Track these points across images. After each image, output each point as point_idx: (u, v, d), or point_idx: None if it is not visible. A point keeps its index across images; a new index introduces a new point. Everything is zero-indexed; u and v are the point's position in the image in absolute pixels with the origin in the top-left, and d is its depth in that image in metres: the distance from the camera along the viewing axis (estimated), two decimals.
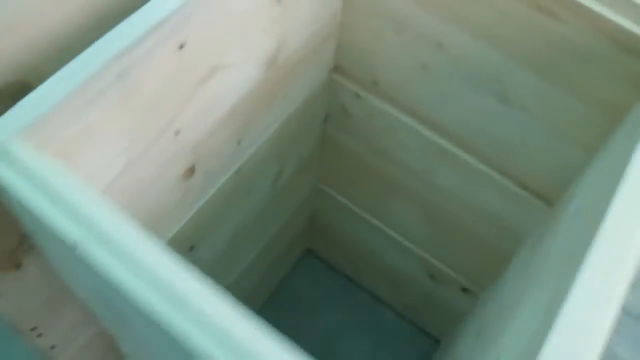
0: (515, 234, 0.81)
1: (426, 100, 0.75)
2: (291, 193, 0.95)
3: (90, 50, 0.46)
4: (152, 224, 0.63)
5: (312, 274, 1.20)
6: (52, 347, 0.69)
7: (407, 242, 0.98)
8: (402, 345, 1.14)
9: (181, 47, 0.51)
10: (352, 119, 0.86)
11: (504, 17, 0.61)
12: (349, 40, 0.76)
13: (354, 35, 0.75)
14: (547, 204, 0.75)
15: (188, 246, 0.73)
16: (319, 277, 1.20)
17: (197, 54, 0.53)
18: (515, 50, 0.63)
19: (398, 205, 0.93)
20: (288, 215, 0.99)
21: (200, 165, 0.65)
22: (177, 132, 0.57)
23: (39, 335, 0.66)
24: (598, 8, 0.55)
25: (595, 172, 0.63)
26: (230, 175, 0.72)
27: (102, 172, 0.51)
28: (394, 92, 0.77)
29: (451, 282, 0.98)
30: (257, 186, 0.81)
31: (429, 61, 0.71)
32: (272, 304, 1.16)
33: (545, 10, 0.58)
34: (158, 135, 0.55)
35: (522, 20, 0.60)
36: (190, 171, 0.64)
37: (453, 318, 1.04)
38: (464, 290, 0.97)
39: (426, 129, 0.78)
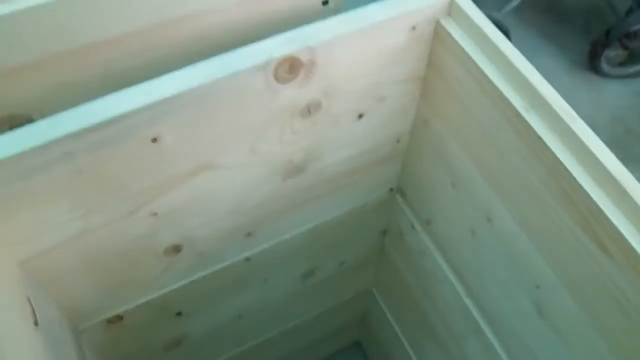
0: None
1: (470, 266, 0.64)
2: (331, 291, 0.88)
3: (42, 125, 0.44)
4: (126, 285, 0.62)
5: None
6: None
7: None
8: None
9: (154, 140, 0.48)
10: (406, 246, 0.77)
11: (555, 228, 0.49)
12: (414, 169, 0.67)
13: (418, 166, 0.66)
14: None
15: (175, 311, 0.71)
16: None
17: (175, 150, 0.49)
18: (558, 264, 0.51)
19: (432, 350, 0.82)
20: (327, 309, 0.92)
21: (191, 247, 0.62)
22: (153, 214, 0.55)
23: None
24: None
25: None
26: (235, 262, 0.68)
27: (51, 229, 0.50)
28: (443, 240, 0.68)
29: None
30: (278, 277, 0.76)
31: (477, 228, 0.60)
32: None
33: (596, 239, 0.46)
34: (125, 214, 0.53)
35: (570, 237, 0.48)
36: (176, 249, 0.61)
37: None
38: None
39: (465, 294, 0.67)
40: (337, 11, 0.58)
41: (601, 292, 0.48)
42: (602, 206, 0.45)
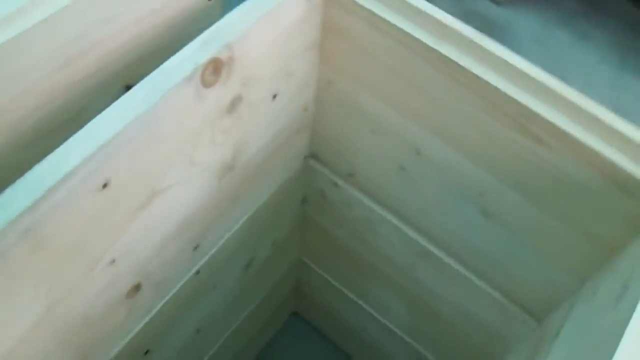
0: (503, 340, 0.74)
1: (405, 200, 0.68)
2: (268, 273, 0.89)
3: None
4: (96, 344, 0.58)
5: (297, 336, 1.14)
6: None
7: (391, 325, 0.92)
8: None
9: (105, 186, 0.45)
10: (330, 205, 0.79)
11: (487, 136, 0.54)
12: (325, 130, 0.69)
13: (329, 126, 0.68)
14: (536, 319, 0.68)
15: (143, 350, 0.68)
16: (304, 339, 1.14)
17: (125, 188, 0.47)
18: (498, 169, 0.56)
19: (379, 289, 0.87)
20: (266, 292, 0.93)
21: (148, 281, 0.59)
22: (112, 262, 0.52)
23: None
24: (589, 140, 0.49)
25: (584, 303, 0.56)
26: (187, 280, 0.66)
27: (17, 319, 0.46)
28: (371, 186, 0.71)
29: None
30: (224, 279, 0.75)
31: (407, 164, 0.64)
32: None
33: (531, 135, 0.51)
34: (86, 272, 0.49)
35: (506, 142, 0.53)
36: (136, 289, 0.58)
37: None
38: None
39: (407, 227, 0.72)
40: (221, 6, 0.58)
41: (543, 178, 0.54)
42: (530, 106, 0.50)
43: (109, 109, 0.43)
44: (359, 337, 1.04)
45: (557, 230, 0.57)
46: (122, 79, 0.53)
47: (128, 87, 0.55)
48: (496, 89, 0.50)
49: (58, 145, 0.42)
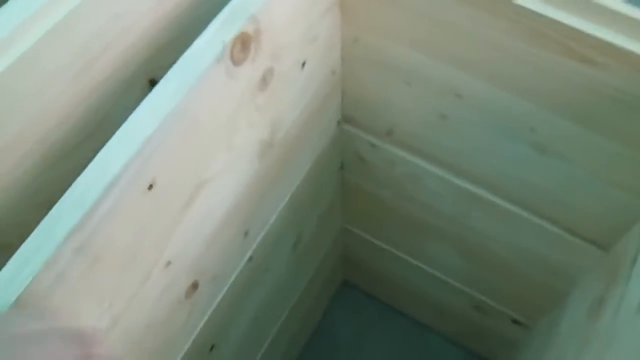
0: (566, 275, 0.72)
1: (450, 149, 0.66)
2: (315, 247, 0.87)
3: (40, 231, 0.38)
4: (162, 348, 0.57)
5: (351, 305, 1.13)
6: None
7: (447, 278, 0.90)
8: None
9: (150, 187, 0.43)
10: (370, 167, 0.77)
11: (533, 66, 0.51)
12: (355, 91, 0.66)
13: (359, 86, 0.65)
14: (601, 248, 0.65)
15: (209, 347, 0.66)
16: (359, 308, 1.12)
17: (170, 186, 0.45)
18: (548, 100, 0.53)
19: (432, 244, 0.84)
20: (316, 267, 0.91)
21: (204, 277, 0.57)
22: (167, 264, 0.50)
23: None
24: None
25: None
26: (241, 269, 0.64)
27: None
28: (412, 141, 0.68)
29: (499, 314, 0.90)
30: (275, 261, 0.73)
31: (447, 111, 0.61)
32: (316, 341, 1.09)
33: (581, 58, 0.48)
34: (144, 279, 0.47)
35: (555, 69, 0.50)
36: (194, 287, 0.56)
37: (505, 344, 0.96)
38: (515, 321, 0.89)
39: (454, 176, 0.69)
40: None
41: (598, 100, 0.50)
42: (577, 26, 0.46)
43: (142, 106, 0.41)
44: (414, 296, 1.02)
45: (619, 152, 0.54)
46: (145, 74, 0.51)
47: (153, 82, 0.52)
48: (538, 14, 0.47)
49: (94, 155, 0.40)
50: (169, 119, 0.41)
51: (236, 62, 0.45)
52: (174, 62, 0.44)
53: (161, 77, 0.44)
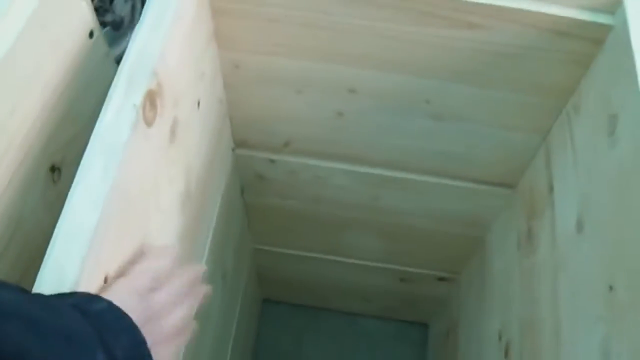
0: (481, 222, 0.77)
1: (350, 143, 0.67)
2: (237, 277, 0.85)
3: None
4: None
5: (279, 319, 1.11)
6: None
7: (368, 262, 0.92)
8: (396, 343, 1.10)
9: (105, 280, 0.39)
10: (271, 182, 0.76)
11: (418, 44, 0.53)
12: (244, 114, 0.65)
13: (247, 108, 0.64)
14: (509, 187, 0.70)
15: None
16: (287, 319, 1.12)
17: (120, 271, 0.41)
18: (439, 72, 0.56)
19: (347, 236, 0.86)
20: (241, 296, 0.89)
21: None
22: None
23: None
24: (519, 4, 0.49)
25: (562, 151, 0.58)
26: None
27: None
28: (312, 145, 0.68)
29: (424, 278, 0.94)
30: (212, 306, 0.71)
31: (343, 108, 0.62)
32: None
33: (466, 24, 0.51)
34: None
35: (443, 43, 0.53)
36: None
37: (436, 304, 1.01)
38: (441, 279, 0.93)
39: (358, 167, 0.70)
40: (103, 42, 0.50)
41: (483, 58, 0.54)
42: None
43: (74, 198, 0.37)
44: (337, 290, 1.04)
45: (508, 99, 0.58)
46: (45, 161, 0.46)
47: (54, 169, 0.47)
48: None
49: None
50: (107, 202, 0.38)
51: (148, 122, 0.42)
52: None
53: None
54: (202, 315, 0.66)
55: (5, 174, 0.43)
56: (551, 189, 0.59)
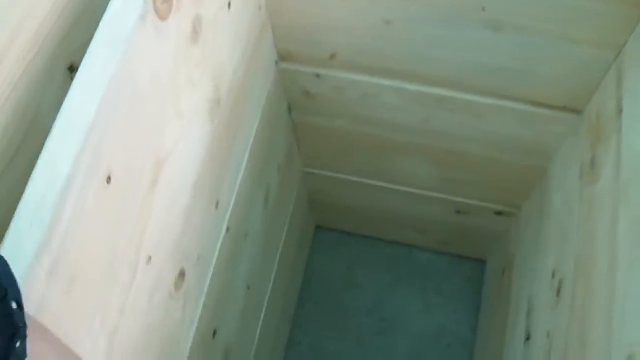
0: (544, 149, 0.70)
1: (400, 56, 0.61)
2: (284, 199, 0.83)
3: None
4: (167, 348, 0.52)
5: (332, 248, 1.09)
6: None
7: (422, 191, 0.87)
8: (450, 278, 1.06)
9: (109, 179, 0.37)
10: (319, 99, 0.72)
11: None
12: (286, 23, 0.61)
13: (289, 17, 0.60)
14: (575, 112, 0.63)
15: (211, 333, 0.62)
16: (340, 247, 1.09)
17: (130, 173, 0.39)
18: None
19: (399, 162, 0.81)
20: (288, 218, 0.87)
21: (189, 262, 0.53)
22: (149, 260, 0.44)
23: None
24: None
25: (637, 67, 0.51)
26: (222, 242, 0.60)
27: None
28: (359, 58, 0.64)
29: (482, 211, 0.88)
30: (252, 224, 0.69)
31: (391, 15, 0.57)
32: (307, 292, 1.06)
33: None
34: (129, 283, 0.42)
35: None
36: (181, 276, 0.52)
37: (494, 239, 0.96)
38: (499, 213, 0.87)
39: (409, 84, 0.65)
40: None
41: None
42: None
43: (73, 91, 0.35)
44: (391, 220, 1.00)
45: (579, 6, 0.51)
46: (62, 61, 0.44)
47: (73, 68, 0.45)
48: None
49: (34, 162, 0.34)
50: (109, 94, 0.35)
51: (161, 15, 0.39)
52: (89, 39, 0.37)
53: (80, 60, 0.37)
54: (239, 233, 0.65)
55: (16, 67, 0.41)
56: (620, 111, 0.52)
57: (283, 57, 0.66)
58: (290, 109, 0.75)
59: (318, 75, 0.67)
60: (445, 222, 0.94)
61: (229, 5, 0.50)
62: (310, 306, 1.06)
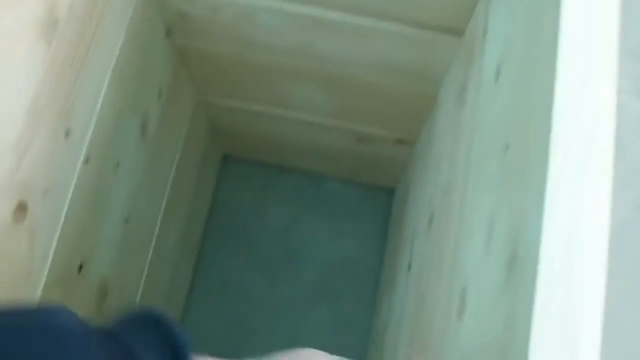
0: (433, 76, 0.68)
1: None
2: (171, 129, 0.79)
3: None
4: (16, 282, 0.49)
5: (240, 177, 1.07)
6: None
7: (320, 118, 0.84)
8: (359, 207, 1.05)
9: None
10: (196, 22, 0.67)
11: None
12: None
13: None
14: (456, 34, 0.61)
15: (76, 267, 0.60)
16: (249, 177, 1.07)
17: None
18: None
19: (291, 88, 0.78)
20: (181, 148, 0.84)
21: (32, 195, 0.49)
22: None
23: None
24: None
25: None
26: (78, 174, 0.56)
27: None
28: None
29: (382, 140, 0.86)
30: (124, 155, 0.65)
31: None
32: (214, 222, 1.05)
33: None
34: None
35: None
36: (21, 209, 0.48)
37: (399, 167, 0.94)
38: (399, 141, 0.86)
39: (286, 2, 0.61)
40: None
41: None
42: None
43: None
44: (296, 148, 0.97)
45: None
46: None
47: None
48: None
49: None
50: None
51: None
52: None
53: None
54: (105, 163, 0.62)
55: None
56: (485, 32, 0.50)
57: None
58: (170, 33, 0.70)
59: None
60: (348, 151, 0.92)
61: None
62: (217, 236, 1.04)
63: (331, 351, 0.44)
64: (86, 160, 0.57)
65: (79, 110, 0.54)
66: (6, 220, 0.47)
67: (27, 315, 0.30)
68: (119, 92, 0.61)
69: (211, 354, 0.38)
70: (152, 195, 0.77)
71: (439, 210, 0.56)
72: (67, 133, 0.53)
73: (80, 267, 0.60)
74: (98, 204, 0.62)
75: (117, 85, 0.60)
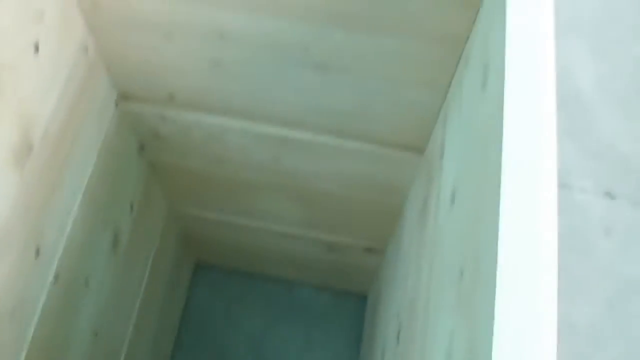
0: (398, 189, 0.71)
1: (236, 96, 0.61)
2: (143, 241, 0.80)
3: None
4: None
5: (213, 285, 1.07)
6: None
7: (290, 229, 0.86)
8: (332, 315, 1.05)
9: None
10: (169, 140, 0.70)
11: None
12: (123, 63, 0.59)
13: (125, 56, 0.58)
14: (418, 152, 0.64)
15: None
16: (222, 284, 1.07)
17: None
18: (313, 13, 0.49)
19: (261, 200, 0.80)
20: (151, 261, 0.84)
21: (1, 312, 0.49)
22: None
23: None
24: None
25: (454, 108, 0.52)
26: (48, 292, 0.56)
27: None
28: (197, 99, 0.62)
29: (352, 248, 0.88)
30: (94, 271, 0.66)
31: (218, 56, 0.56)
32: (185, 330, 1.03)
33: None
34: None
35: None
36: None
37: (370, 274, 0.96)
38: (369, 250, 0.87)
39: (251, 124, 0.64)
40: None
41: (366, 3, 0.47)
42: None
43: None
44: (268, 257, 0.98)
45: (400, 48, 0.51)
46: None
47: None
48: None
49: None
50: None
51: None
52: None
53: None
54: (75, 280, 0.62)
55: None
56: (442, 152, 0.53)
57: (124, 97, 0.64)
58: (143, 148, 0.73)
59: (163, 116, 0.65)
60: (320, 259, 0.94)
61: (36, 48, 0.48)
62: (189, 348, 1.02)
63: None
64: (56, 278, 0.57)
65: (50, 229, 0.55)
66: None
67: None
68: (91, 208, 0.63)
69: None
70: (122, 308, 0.77)
71: (404, 326, 0.56)
72: (37, 252, 0.54)
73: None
74: (66, 319, 0.61)
75: (89, 202, 0.62)
